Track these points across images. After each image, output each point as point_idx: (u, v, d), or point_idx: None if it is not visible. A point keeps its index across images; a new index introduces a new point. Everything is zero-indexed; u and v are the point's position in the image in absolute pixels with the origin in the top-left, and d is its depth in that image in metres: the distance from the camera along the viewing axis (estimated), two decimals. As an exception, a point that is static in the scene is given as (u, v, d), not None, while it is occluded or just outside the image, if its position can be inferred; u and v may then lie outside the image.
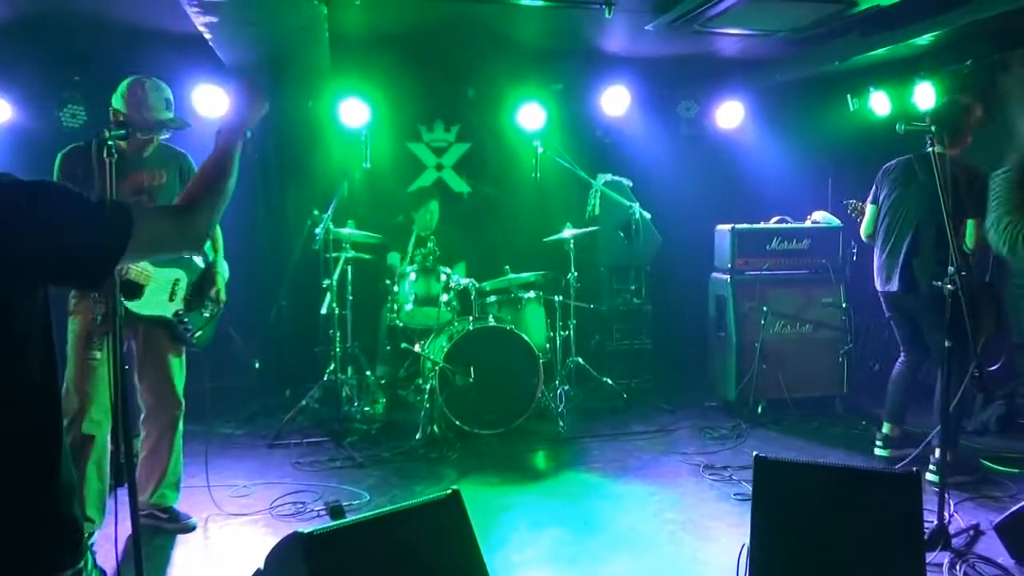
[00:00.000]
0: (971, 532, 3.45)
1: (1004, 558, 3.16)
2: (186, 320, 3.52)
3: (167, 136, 3.46)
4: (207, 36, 4.78)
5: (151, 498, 3.57)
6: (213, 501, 3.89)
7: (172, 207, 1.55)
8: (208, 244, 3.71)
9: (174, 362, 3.60)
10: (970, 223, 4.07)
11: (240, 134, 1.81)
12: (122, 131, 2.43)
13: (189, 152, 3.66)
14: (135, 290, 3.32)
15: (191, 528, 3.66)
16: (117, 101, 3.32)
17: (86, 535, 3.17)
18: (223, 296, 3.68)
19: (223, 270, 3.70)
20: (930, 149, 3.97)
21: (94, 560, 1.24)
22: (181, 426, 3.68)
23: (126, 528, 2.39)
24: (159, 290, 3.41)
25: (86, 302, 3.27)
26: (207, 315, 3.65)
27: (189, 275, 3.54)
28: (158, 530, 3.58)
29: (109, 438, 3.30)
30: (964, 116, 4.21)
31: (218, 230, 3.73)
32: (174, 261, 3.50)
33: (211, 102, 5.69)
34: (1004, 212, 2.06)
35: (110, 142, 2.37)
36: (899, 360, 4.59)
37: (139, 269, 3.30)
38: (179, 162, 3.58)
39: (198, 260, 3.62)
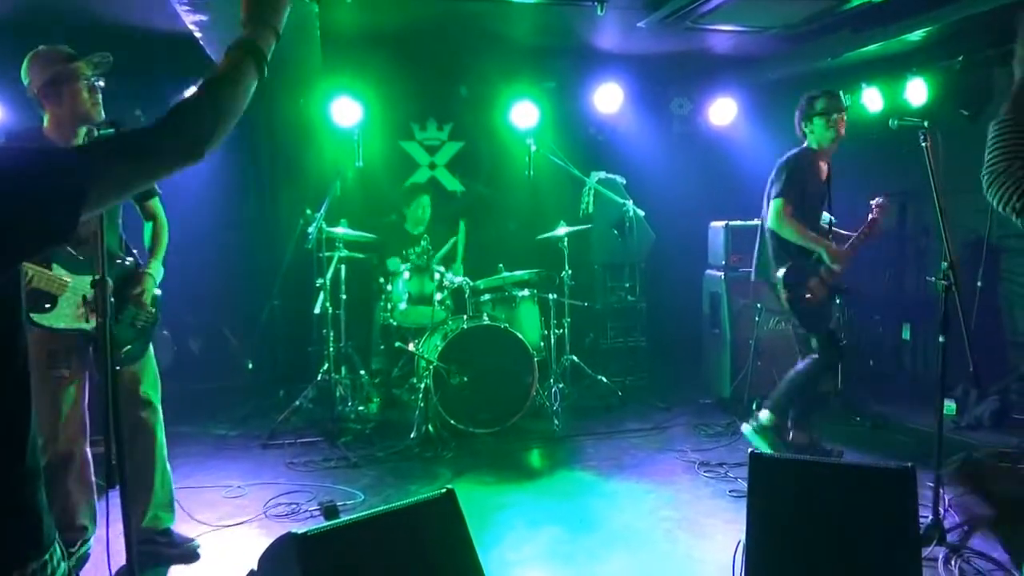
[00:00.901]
0: (966, 527, 3.45)
1: (999, 553, 3.16)
2: (113, 332, 3.02)
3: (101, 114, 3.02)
4: (197, 34, 4.75)
5: (144, 521, 3.22)
6: (183, 508, 3.66)
7: (156, 122, 1.27)
8: (149, 236, 3.34)
9: (130, 375, 3.17)
10: (774, 203, 4.22)
11: (270, 31, 1.47)
12: (110, 130, 2.38)
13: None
14: (46, 300, 2.88)
15: (194, 551, 3.33)
16: (27, 79, 2.99)
17: (81, 542, 3.13)
18: (147, 300, 3.20)
19: (156, 272, 3.27)
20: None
21: (62, 552, 1.21)
22: (161, 438, 3.29)
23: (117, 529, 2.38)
24: (76, 299, 2.96)
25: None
26: (138, 327, 3.18)
27: (114, 278, 3.01)
28: (159, 557, 3.26)
29: (88, 450, 3.20)
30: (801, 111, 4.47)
31: (165, 232, 3.35)
32: (93, 267, 2.95)
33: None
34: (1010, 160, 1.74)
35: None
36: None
37: (50, 277, 2.89)
38: None
39: (128, 260, 3.24)
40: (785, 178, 4.26)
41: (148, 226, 3.37)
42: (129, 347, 3.15)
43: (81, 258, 2.99)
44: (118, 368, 2.94)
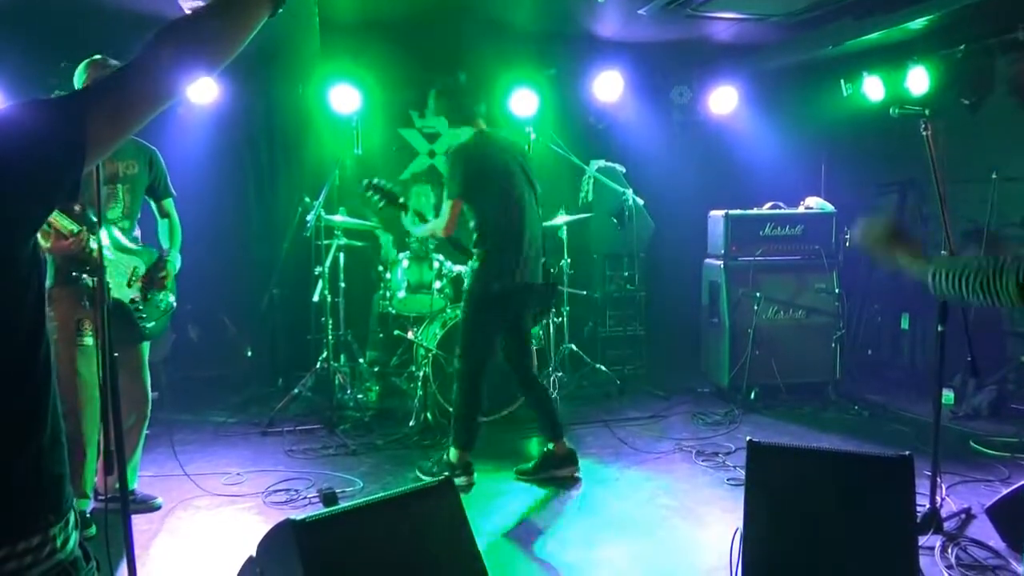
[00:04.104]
0: (963, 515, 3.46)
1: (995, 541, 3.17)
2: (141, 308, 3.49)
3: None
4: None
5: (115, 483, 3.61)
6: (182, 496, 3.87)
7: (138, 54, 1.20)
8: (165, 231, 3.70)
9: (142, 352, 3.58)
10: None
11: None
12: None
13: (183, 139, 3.63)
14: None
15: (157, 507, 3.69)
16: (80, 84, 3.24)
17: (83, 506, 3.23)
18: (169, 284, 3.62)
19: (175, 260, 3.69)
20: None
21: (76, 520, 1.22)
22: (149, 413, 3.67)
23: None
24: (119, 274, 3.39)
25: (67, 289, 3.25)
26: (162, 307, 3.61)
27: (147, 264, 3.53)
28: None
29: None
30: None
31: (179, 229, 3.73)
32: (134, 250, 3.48)
33: (199, 89, 5.64)
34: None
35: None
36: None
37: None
38: (148, 155, 3.57)
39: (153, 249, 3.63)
40: None
41: (163, 224, 3.73)
42: (153, 323, 3.55)
43: (127, 242, 3.47)
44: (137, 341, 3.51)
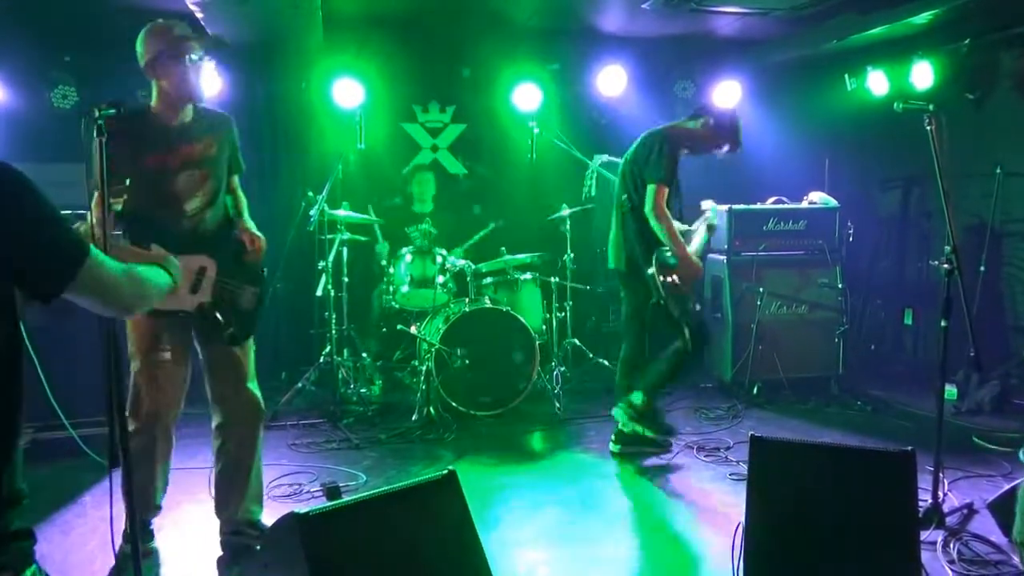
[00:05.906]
0: (965, 510, 3.46)
1: (997, 536, 3.17)
2: (217, 314, 2.94)
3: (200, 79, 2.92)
4: (199, 15, 4.73)
5: (236, 514, 3.15)
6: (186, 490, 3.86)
7: (129, 267, 1.62)
8: (229, 203, 3.19)
9: (235, 355, 3.07)
10: (650, 188, 4.10)
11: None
12: (111, 110, 2.30)
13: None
14: None
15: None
16: (139, 53, 2.85)
17: (148, 525, 3.13)
18: (263, 245, 3.09)
19: (253, 227, 3.16)
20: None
21: (38, 568, 1.27)
22: (261, 431, 3.22)
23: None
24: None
25: None
26: (244, 304, 3.04)
27: (218, 262, 2.97)
28: (249, 547, 3.11)
29: (173, 428, 3.13)
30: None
31: (243, 197, 3.24)
32: (200, 246, 2.94)
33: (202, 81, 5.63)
34: None
35: (100, 121, 2.23)
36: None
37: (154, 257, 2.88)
38: (227, 128, 3.10)
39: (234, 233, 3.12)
40: (666, 159, 4.07)
41: (228, 199, 3.21)
42: (235, 325, 2.99)
43: (186, 228, 2.92)
44: (230, 346, 2.99)
